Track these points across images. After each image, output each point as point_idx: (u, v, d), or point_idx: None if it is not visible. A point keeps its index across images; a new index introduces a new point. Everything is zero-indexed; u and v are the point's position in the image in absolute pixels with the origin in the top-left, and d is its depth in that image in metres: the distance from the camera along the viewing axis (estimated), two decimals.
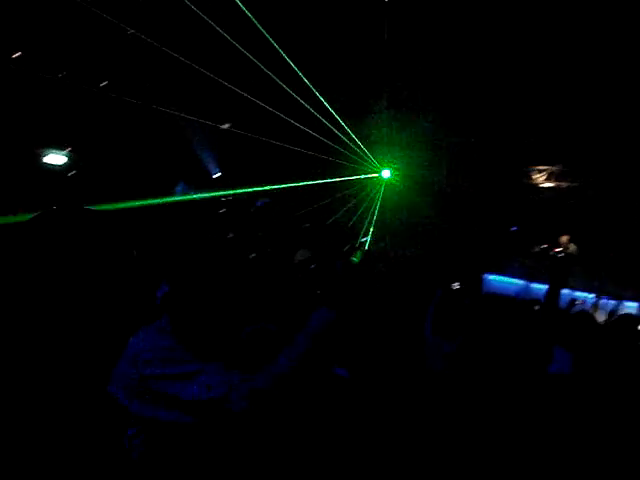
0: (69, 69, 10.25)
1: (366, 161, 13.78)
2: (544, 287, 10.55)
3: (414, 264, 11.07)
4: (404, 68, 12.25)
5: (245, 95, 10.87)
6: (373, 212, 13.57)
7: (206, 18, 8.79)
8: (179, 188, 13.40)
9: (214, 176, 14.89)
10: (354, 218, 13.46)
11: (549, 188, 13.62)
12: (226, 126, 13.61)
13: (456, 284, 7.04)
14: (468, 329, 3.27)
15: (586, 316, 5.17)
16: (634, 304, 10.93)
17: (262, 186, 12.28)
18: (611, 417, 3.24)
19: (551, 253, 11.90)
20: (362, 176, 14.00)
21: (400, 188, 14.11)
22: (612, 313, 10.40)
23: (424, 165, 14.16)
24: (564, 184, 13.40)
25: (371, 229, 12.93)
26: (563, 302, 9.78)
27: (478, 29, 10.72)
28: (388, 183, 14.23)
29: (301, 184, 12.41)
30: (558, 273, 10.95)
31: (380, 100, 13.54)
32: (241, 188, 12.19)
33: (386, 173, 14.22)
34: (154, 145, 12.25)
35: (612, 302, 11.24)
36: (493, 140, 12.98)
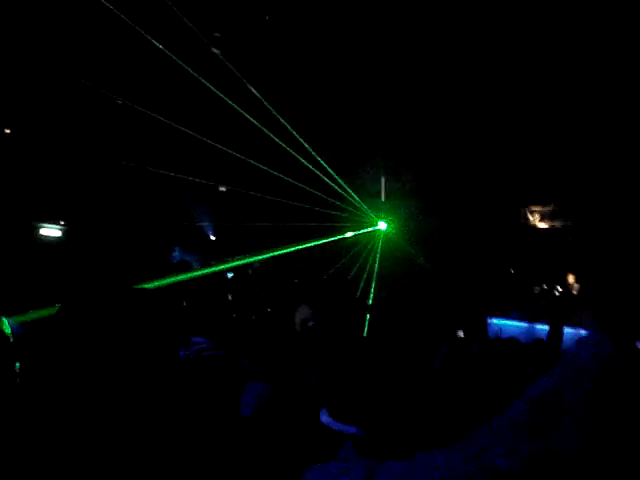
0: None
1: (363, 214, 13.85)
2: (547, 328, 10.48)
3: (416, 314, 11.03)
4: (395, 121, 12.44)
5: (241, 157, 10.99)
6: (372, 264, 13.56)
7: (204, 81, 8.96)
8: (176, 254, 13.38)
9: (211, 238, 14.91)
10: (353, 271, 13.44)
11: (544, 228, 13.69)
12: (223, 188, 13.65)
13: (460, 332, 6.99)
14: (477, 378, 3.24)
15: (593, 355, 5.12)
16: None
17: (259, 251, 12.14)
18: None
19: (551, 293, 11.89)
20: (359, 230, 14.05)
21: (397, 239, 14.15)
22: None
23: (418, 214, 14.24)
24: (558, 224, 13.48)
25: (372, 281, 12.90)
26: (570, 342, 9.73)
27: (461, 76, 10.94)
28: (385, 234, 14.27)
29: (297, 247, 12.35)
30: (558, 312, 10.91)
31: (372, 153, 13.71)
32: (240, 252, 12.09)
33: (382, 225, 14.28)
34: (149, 211, 12.29)
35: None
36: (485, 184, 13.09)
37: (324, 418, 2.53)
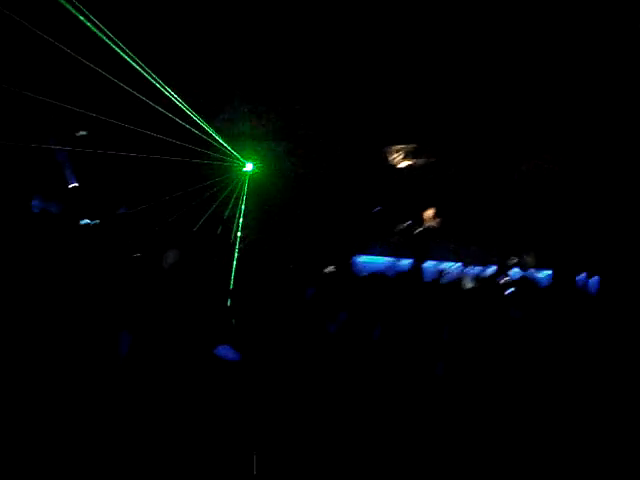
0: None
1: (228, 156, 13.68)
2: (410, 262, 10.98)
3: (283, 252, 11.16)
4: (257, 63, 12.24)
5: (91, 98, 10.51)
6: (240, 206, 13.52)
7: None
8: (36, 203, 12.72)
9: (70, 186, 14.28)
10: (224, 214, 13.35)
11: (407, 166, 14.08)
12: (83, 133, 13.05)
13: (331, 267, 7.16)
14: (349, 308, 3.35)
15: (455, 285, 5.42)
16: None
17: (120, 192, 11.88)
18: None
19: (413, 228, 12.38)
20: (225, 172, 13.93)
21: (264, 180, 14.15)
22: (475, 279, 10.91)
23: (283, 155, 14.27)
24: (421, 161, 13.90)
25: (240, 222, 12.88)
26: (431, 274, 10.23)
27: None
28: (252, 176, 14.23)
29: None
30: (420, 247, 11.43)
31: (237, 94, 13.47)
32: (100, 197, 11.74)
33: (249, 166, 14.22)
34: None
35: (477, 268, 11.78)
36: (349, 123, 13.24)
37: (222, 351, 2.61)
